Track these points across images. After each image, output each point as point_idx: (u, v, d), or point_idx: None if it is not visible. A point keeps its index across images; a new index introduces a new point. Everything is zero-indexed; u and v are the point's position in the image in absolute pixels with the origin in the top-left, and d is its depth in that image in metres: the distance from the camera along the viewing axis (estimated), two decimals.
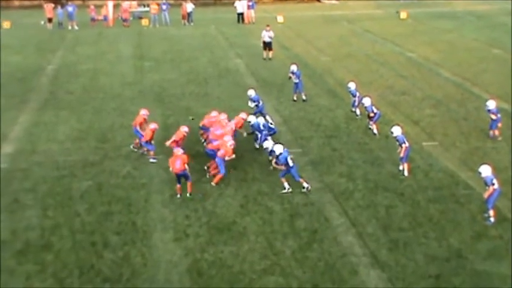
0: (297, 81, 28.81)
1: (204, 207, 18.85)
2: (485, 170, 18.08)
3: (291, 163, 19.73)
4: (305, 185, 19.97)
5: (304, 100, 28.64)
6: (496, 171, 20.55)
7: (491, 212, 17.92)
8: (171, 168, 19.77)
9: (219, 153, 20.62)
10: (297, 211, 18.58)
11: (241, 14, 52.40)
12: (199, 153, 22.41)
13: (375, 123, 24.52)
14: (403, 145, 20.81)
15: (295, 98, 28.94)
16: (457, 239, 16.94)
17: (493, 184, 17.89)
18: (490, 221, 17.91)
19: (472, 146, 23.35)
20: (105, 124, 26.31)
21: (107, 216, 18.31)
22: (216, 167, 20.80)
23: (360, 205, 18.91)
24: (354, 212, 18.46)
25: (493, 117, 23.80)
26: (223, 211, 18.60)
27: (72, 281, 15.26)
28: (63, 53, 40.82)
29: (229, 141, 20.97)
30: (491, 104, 23.92)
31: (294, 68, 29.16)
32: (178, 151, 19.91)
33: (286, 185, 19.91)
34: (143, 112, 23.45)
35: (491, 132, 24.04)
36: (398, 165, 21.27)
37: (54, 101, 29.70)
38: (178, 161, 19.53)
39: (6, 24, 50.21)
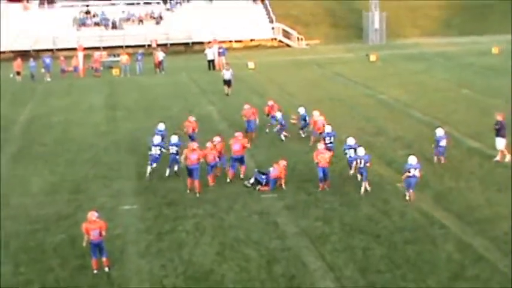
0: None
1: (180, 256, 18.67)
2: (411, 159, 22.15)
3: None
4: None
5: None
6: (470, 210, 21.07)
7: (407, 192, 21.93)
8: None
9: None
10: (274, 257, 18.43)
11: (212, 60, 52.56)
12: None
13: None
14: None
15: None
16: (435, 280, 16.86)
17: (409, 171, 21.69)
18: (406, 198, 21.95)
19: (445, 186, 23.43)
20: (79, 175, 26.05)
21: (81, 270, 17.95)
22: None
23: (336, 249, 18.79)
24: (331, 256, 18.35)
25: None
26: (200, 259, 18.41)
27: None
28: (34, 105, 40.53)
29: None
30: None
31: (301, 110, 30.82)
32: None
33: None
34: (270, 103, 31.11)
35: None
36: (374, 206, 21.38)
37: (26, 154, 29.39)
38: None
39: None
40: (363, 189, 22.98)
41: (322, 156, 23.40)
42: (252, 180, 24.07)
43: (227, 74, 41.88)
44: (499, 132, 25.79)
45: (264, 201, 22.68)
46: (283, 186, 23.66)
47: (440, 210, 21.30)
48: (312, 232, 19.97)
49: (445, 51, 58.33)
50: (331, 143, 26.36)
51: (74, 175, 26.17)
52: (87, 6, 68.42)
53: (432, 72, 47.77)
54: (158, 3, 69.77)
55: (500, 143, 25.72)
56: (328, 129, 27.00)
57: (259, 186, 23.72)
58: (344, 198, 22.64)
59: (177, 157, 24.94)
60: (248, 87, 41.58)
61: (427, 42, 64.98)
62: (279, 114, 30.37)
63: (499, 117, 26.13)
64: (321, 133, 27.51)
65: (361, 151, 23.49)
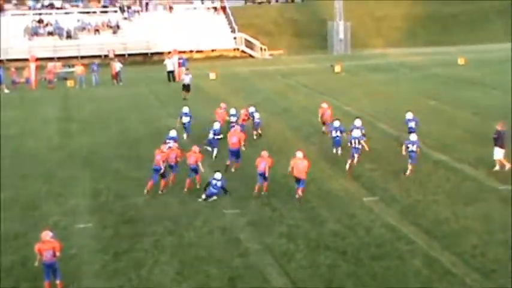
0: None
1: (138, 275, 18.14)
2: (411, 137, 25.74)
3: None
4: None
5: None
6: (438, 224, 21.00)
7: (409, 165, 25.30)
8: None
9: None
10: (237, 274, 18.05)
11: (172, 71, 51.87)
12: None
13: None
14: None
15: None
16: None
17: (407, 147, 25.33)
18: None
19: (412, 199, 23.18)
20: (30, 192, 25.22)
21: None
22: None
23: (301, 266, 18.44)
24: (296, 273, 18.02)
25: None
26: (159, 279, 17.96)
27: None
28: None
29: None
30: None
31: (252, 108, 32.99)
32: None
33: None
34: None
35: None
36: (340, 222, 21.06)
37: None
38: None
39: None
40: (349, 163, 26.18)
41: (297, 167, 23.33)
42: (204, 196, 23.56)
43: (186, 79, 43.94)
44: (497, 142, 25.64)
45: (226, 217, 22.25)
46: (267, 173, 23.69)
47: (407, 224, 21.06)
48: (276, 249, 19.58)
49: (411, 61, 58.45)
50: (337, 137, 28.25)
51: (26, 192, 25.32)
52: (40, 14, 67.07)
53: (398, 83, 47.66)
54: (115, 12, 68.85)
55: (498, 153, 25.56)
56: (336, 124, 28.69)
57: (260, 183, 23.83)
58: (309, 213, 22.25)
59: None
60: (209, 98, 40.97)
61: (392, 53, 65.23)
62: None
63: (499, 127, 26.04)
64: (324, 123, 31.47)
65: (357, 133, 26.53)
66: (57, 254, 17.31)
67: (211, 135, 28.77)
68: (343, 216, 21.86)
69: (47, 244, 17.25)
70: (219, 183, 23.32)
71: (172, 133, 27.97)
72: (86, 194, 24.82)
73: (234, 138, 26.85)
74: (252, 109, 32.74)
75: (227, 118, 31.66)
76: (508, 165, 25.36)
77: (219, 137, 28.70)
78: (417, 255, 18.75)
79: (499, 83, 44.30)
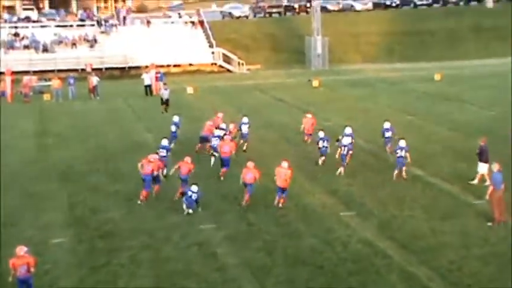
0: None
1: None
2: (400, 142, 26.75)
3: None
4: None
5: None
6: (415, 239, 21.02)
7: (396, 170, 26.54)
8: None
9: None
10: None
11: (149, 86, 51.61)
12: None
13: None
14: None
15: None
16: None
17: (397, 152, 26.61)
18: None
19: (389, 214, 23.19)
20: (6, 206, 24.77)
21: None
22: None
23: (279, 281, 18.40)
24: None
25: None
26: None
27: None
28: None
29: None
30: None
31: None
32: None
33: None
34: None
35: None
36: (317, 237, 21.01)
37: None
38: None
39: None
40: (340, 170, 27.30)
41: (279, 175, 23.82)
42: (184, 206, 23.44)
43: (165, 94, 44.16)
44: (481, 157, 25.83)
45: (203, 231, 22.11)
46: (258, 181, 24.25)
47: (384, 239, 21.07)
48: (254, 264, 19.53)
49: (388, 77, 58.64)
50: (325, 147, 28.98)
51: (0, 206, 24.75)
52: (16, 28, 66.51)
53: (375, 98, 47.60)
54: (92, 25, 68.56)
55: (482, 167, 25.70)
56: (321, 134, 29.39)
57: (246, 196, 24.09)
58: (286, 228, 22.21)
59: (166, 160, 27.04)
60: (186, 114, 40.76)
61: (369, 68, 65.38)
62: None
63: (481, 142, 26.26)
64: (310, 134, 32.49)
65: (347, 140, 27.68)
66: (32, 269, 17.19)
67: (215, 142, 29.39)
68: (320, 231, 21.83)
69: (21, 259, 17.15)
70: (194, 196, 23.19)
71: (164, 142, 28.25)
72: (62, 208, 24.57)
73: (227, 147, 27.76)
74: (245, 119, 32.72)
75: (214, 130, 31.26)
76: (488, 181, 25.48)
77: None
78: (394, 270, 18.76)
79: (475, 98, 44.69)
